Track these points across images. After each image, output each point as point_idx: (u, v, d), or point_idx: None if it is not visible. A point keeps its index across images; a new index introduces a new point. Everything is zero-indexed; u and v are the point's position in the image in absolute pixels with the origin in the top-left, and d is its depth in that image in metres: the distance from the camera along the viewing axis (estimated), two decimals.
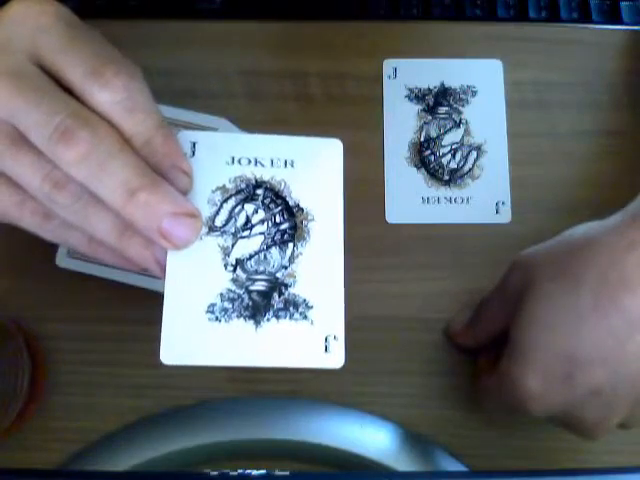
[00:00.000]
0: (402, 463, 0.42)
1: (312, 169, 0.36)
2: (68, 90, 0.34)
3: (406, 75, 0.51)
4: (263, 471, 0.35)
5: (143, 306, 0.44)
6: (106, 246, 0.36)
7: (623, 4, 0.52)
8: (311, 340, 0.34)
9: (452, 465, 0.42)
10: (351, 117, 0.50)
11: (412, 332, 0.45)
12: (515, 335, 0.38)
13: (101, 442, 0.43)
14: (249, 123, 0.49)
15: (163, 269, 0.35)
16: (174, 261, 0.34)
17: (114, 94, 0.33)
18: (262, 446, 0.43)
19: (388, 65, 0.51)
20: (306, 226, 0.36)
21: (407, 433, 0.43)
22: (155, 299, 0.42)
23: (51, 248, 0.45)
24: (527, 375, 0.36)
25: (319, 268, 0.35)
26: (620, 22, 0.52)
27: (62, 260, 0.45)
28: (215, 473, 0.35)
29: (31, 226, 0.36)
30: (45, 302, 0.46)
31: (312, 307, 0.34)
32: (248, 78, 0.51)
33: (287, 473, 0.35)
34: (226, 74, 0.51)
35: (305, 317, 0.34)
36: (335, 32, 0.52)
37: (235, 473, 0.35)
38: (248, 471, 0.35)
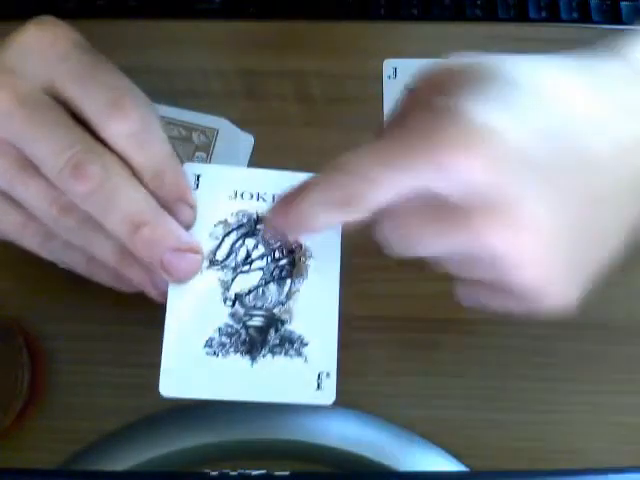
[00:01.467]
0: (402, 463, 0.42)
1: None
2: (80, 119, 0.34)
3: (406, 75, 0.51)
4: (263, 471, 0.35)
5: (143, 306, 0.44)
6: (105, 267, 0.36)
7: (623, 4, 0.52)
8: (304, 377, 0.35)
9: (452, 465, 0.42)
10: (351, 117, 0.50)
11: (412, 332, 0.45)
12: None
13: (101, 442, 0.43)
14: (249, 123, 0.49)
15: (160, 293, 0.35)
16: (175, 294, 0.35)
17: (130, 127, 0.34)
18: (262, 446, 0.43)
19: (388, 65, 0.51)
20: (304, 263, 0.36)
21: (407, 433, 0.43)
22: (154, 299, 0.42)
23: None
24: (472, 104, 0.30)
25: (315, 306, 0.36)
26: (620, 22, 0.52)
27: None
28: (215, 473, 0.35)
29: (31, 245, 0.37)
30: (45, 302, 0.46)
31: (307, 344, 0.35)
32: (248, 78, 0.51)
33: (287, 473, 0.35)
34: (226, 74, 0.51)
35: (300, 354, 0.35)
36: (335, 32, 0.52)
37: (235, 473, 0.35)
38: (248, 471, 0.35)
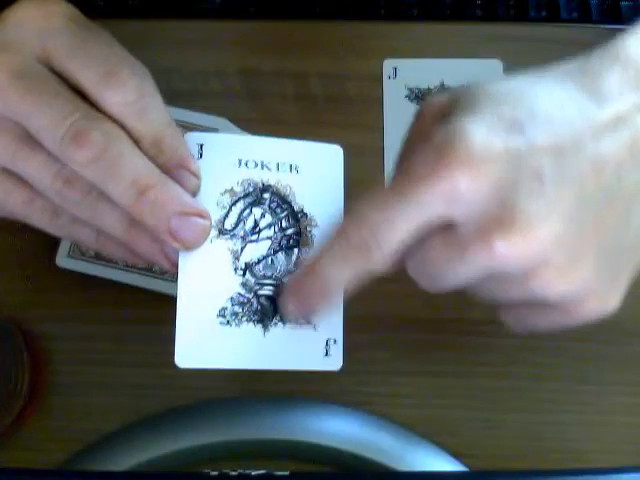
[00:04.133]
0: (402, 463, 0.42)
1: (315, 175, 0.36)
2: (77, 91, 0.34)
3: (406, 75, 0.51)
4: (263, 471, 0.35)
5: (143, 306, 0.44)
6: (114, 241, 0.36)
7: (623, 4, 0.52)
8: (313, 344, 0.35)
9: (452, 465, 0.42)
10: (351, 117, 0.50)
11: (412, 332, 0.45)
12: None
13: (101, 442, 0.43)
14: (249, 123, 0.49)
15: (172, 263, 0.35)
16: (186, 264, 0.34)
17: (126, 95, 0.33)
18: (262, 446, 0.43)
19: (388, 65, 0.51)
20: (310, 232, 0.36)
21: (407, 433, 0.43)
22: (155, 299, 0.42)
23: (51, 248, 0.45)
24: (471, 125, 0.30)
25: None
26: (620, 22, 0.52)
27: (62, 260, 0.45)
28: (215, 473, 0.35)
29: (39, 223, 0.37)
30: (45, 302, 0.46)
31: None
32: (248, 78, 0.51)
33: (287, 473, 0.35)
34: (226, 74, 0.51)
35: (308, 322, 0.35)
36: (335, 32, 0.52)
37: (235, 473, 0.35)
38: (248, 471, 0.35)
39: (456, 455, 0.43)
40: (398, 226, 0.31)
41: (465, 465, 0.43)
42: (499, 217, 0.30)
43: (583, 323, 0.34)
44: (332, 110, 0.50)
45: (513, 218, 0.30)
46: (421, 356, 0.45)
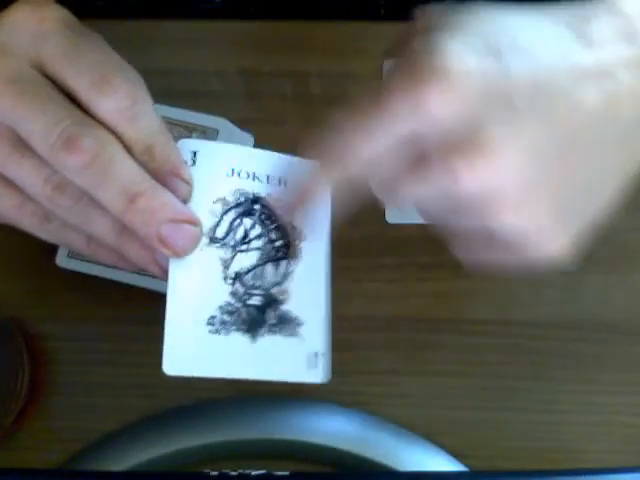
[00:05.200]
0: (402, 463, 0.42)
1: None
2: (70, 96, 0.34)
3: None
4: (263, 471, 0.35)
5: (143, 306, 0.44)
6: (105, 246, 0.36)
7: None
8: (300, 356, 0.35)
9: (452, 465, 0.42)
10: None
11: (412, 332, 0.45)
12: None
13: (101, 442, 0.43)
14: (249, 123, 0.49)
15: (162, 270, 0.35)
16: (176, 271, 0.34)
17: (119, 102, 0.33)
18: (262, 446, 0.43)
19: (388, 65, 0.51)
20: (298, 245, 0.36)
21: (407, 433, 0.43)
22: (155, 299, 0.42)
23: (51, 248, 0.45)
24: (449, 44, 0.30)
25: (308, 286, 0.36)
26: None
27: (62, 260, 0.45)
28: (215, 473, 0.35)
29: (30, 227, 0.37)
30: (45, 302, 0.46)
31: (302, 324, 0.35)
32: (248, 78, 0.51)
33: (287, 473, 0.35)
34: (226, 74, 0.51)
35: (295, 334, 0.35)
36: (335, 32, 0.52)
37: (235, 473, 0.35)
38: (248, 471, 0.35)
39: (456, 455, 0.43)
40: (372, 137, 0.32)
41: (465, 465, 0.43)
42: (464, 140, 0.30)
43: (533, 265, 0.34)
44: (332, 110, 0.50)
45: (478, 143, 0.30)
46: (421, 356, 0.45)
